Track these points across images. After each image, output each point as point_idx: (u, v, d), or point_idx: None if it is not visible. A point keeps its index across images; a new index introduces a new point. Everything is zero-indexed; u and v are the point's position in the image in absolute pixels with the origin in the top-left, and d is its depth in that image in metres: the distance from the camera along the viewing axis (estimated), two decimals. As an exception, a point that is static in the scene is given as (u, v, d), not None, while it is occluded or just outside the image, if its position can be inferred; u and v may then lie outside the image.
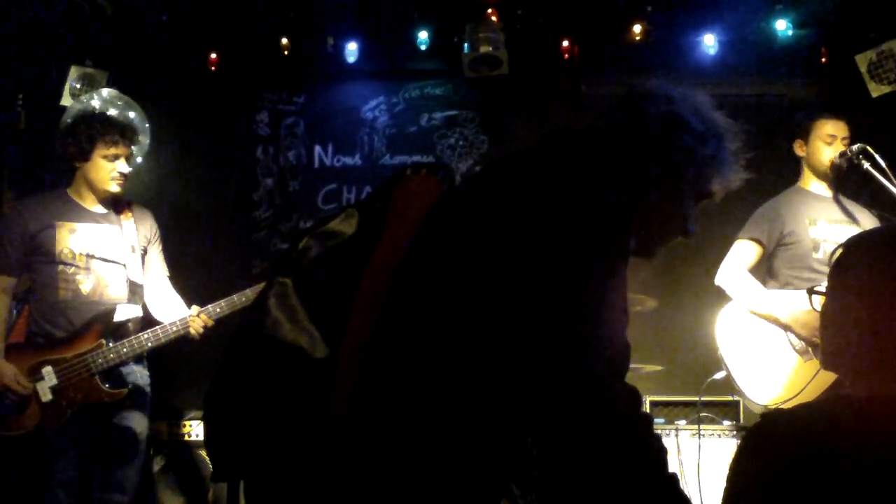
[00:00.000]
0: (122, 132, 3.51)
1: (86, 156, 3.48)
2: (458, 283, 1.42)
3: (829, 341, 1.50)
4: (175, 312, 3.57)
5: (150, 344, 3.41)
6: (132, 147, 3.58)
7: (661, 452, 1.43)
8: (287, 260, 1.58)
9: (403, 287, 1.45)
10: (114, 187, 3.51)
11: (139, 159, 4.83)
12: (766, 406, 3.38)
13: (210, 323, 3.46)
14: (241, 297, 3.49)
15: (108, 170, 3.48)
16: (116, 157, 3.49)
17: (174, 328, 3.44)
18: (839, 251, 1.50)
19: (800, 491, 1.28)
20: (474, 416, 1.40)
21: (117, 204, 3.63)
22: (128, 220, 3.61)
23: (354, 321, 1.44)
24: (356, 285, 1.47)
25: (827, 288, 1.51)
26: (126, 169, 3.52)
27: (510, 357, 1.38)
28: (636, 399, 1.44)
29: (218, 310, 3.48)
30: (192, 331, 3.44)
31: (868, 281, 1.41)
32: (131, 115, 4.74)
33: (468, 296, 1.41)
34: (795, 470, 1.30)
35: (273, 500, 1.48)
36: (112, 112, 4.62)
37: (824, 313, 1.50)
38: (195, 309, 3.47)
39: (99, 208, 3.57)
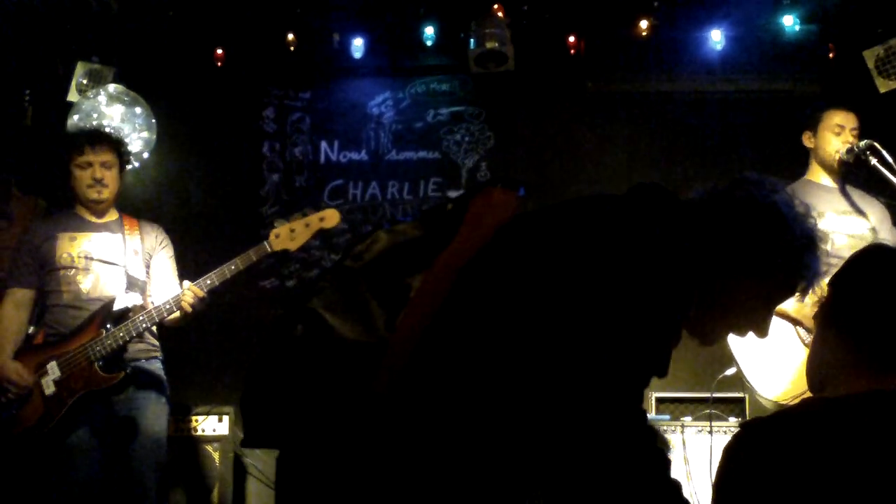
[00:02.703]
0: (89, 140, 3.53)
1: (66, 172, 3.55)
2: (515, 298, 1.47)
3: (822, 342, 1.55)
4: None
5: (144, 325, 3.38)
6: (112, 153, 3.56)
7: (664, 463, 1.48)
8: (353, 247, 1.64)
9: (465, 290, 1.50)
10: (92, 194, 3.52)
11: (146, 155, 4.85)
12: (776, 401, 3.37)
13: (201, 294, 3.38)
14: (231, 267, 3.42)
15: (84, 178, 3.51)
16: (88, 165, 3.51)
17: (167, 306, 3.40)
18: (856, 253, 1.59)
19: (784, 491, 1.32)
20: (503, 419, 1.44)
21: (122, 218, 3.66)
22: (132, 231, 3.63)
23: (410, 314, 1.49)
24: (416, 280, 1.52)
25: (832, 285, 1.55)
26: (101, 174, 3.51)
27: (543, 375, 1.43)
28: (643, 420, 1.51)
29: (209, 282, 3.42)
30: (183, 304, 3.37)
31: (874, 288, 1.49)
32: (138, 110, 4.76)
33: (521, 312, 1.46)
34: (780, 471, 1.33)
35: (305, 472, 1.54)
36: (118, 107, 4.66)
37: (827, 305, 1.56)
38: (186, 283, 3.44)
39: (102, 220, 3.61)
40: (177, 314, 3.43)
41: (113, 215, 3.66)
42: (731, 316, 1.68)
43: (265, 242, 3.46)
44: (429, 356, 1.46)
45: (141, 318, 3.38)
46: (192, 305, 3.38)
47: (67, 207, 3.69)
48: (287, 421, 1.54)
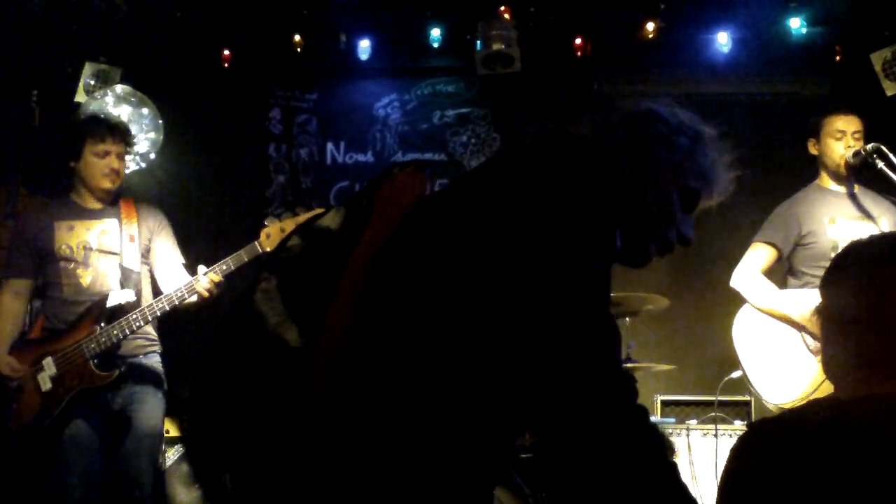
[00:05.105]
0: (110, 129, 3.55)
1: (77, 154, 3.52)
2: (432, 281, 1.44)
3: (826, 346, 1.55)
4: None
5: (138, 324, 3.38)
6: (124, 145, 3.59)
7: (658, 443, 1.44)
8: (274, 255, 1.61)
9: (379, 281, 1.47)
10: (106, 184, 3.53)
11: (152, 156, 4.86)
12: (781, 407, 3.37)
13: (217, 279, 3.36)
14: (223, 266, 3.40)
15: (99, 166, 3.51)
16: (106, 154, 3.51)
17: (178, 294, 3.36)
18: (841, 252, 1.56)
19: (791, 493, 1.31)
20: (443, 409, 1.41)
21: (119, 201, 3.65)
22: (130, 214, 3.61)
23: (332, 314, 1.45)
24: (336, 279, 1.48)
25: (824, 285, 1.55)
26: (117, 165, 3.54)
27: (483, 354, 1.39)
28: (631, 390, 1.44)
29: (225, 266, 3.40)
30: (199, 290, 3.34)
31: (861, 285, 1.46)
32: (144, 111, 4.77)
33: (441, 294, 1.42)
34: (786, 473, 1.33)
35: (257, 492, 1.50)
36: (125, 108, 4.67)
37: (823, 309, 1.55)
38: (202, 269, 3.40)
39: (98, 206, 3.60)
40: (193, 299, 3.40)
41: (109, 200, 3.63)
42: (649, 229, 1.65)
43: (255, 243, 3.44)
44: (358, 356, 1.42)
45: (134, 316, 3.38)
46: (208, 291, 3.36)
47: (63, 194, 3.66)
48: (231, 448, 1.49)
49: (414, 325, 1.42)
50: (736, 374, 3.69)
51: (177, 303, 3.38)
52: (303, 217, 3.39)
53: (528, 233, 1.40)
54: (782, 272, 3.75)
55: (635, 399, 1.43)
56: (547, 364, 1.36)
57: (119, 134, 3.57)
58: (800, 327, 3.45)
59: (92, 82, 4.78)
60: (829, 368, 1.54)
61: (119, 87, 4.77)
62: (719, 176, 1.70)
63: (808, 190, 3.79)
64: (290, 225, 3.41)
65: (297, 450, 1.41)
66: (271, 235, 3.42)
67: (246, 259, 3.43)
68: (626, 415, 1.39)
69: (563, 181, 1.47)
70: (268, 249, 3.41)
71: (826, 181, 3.77)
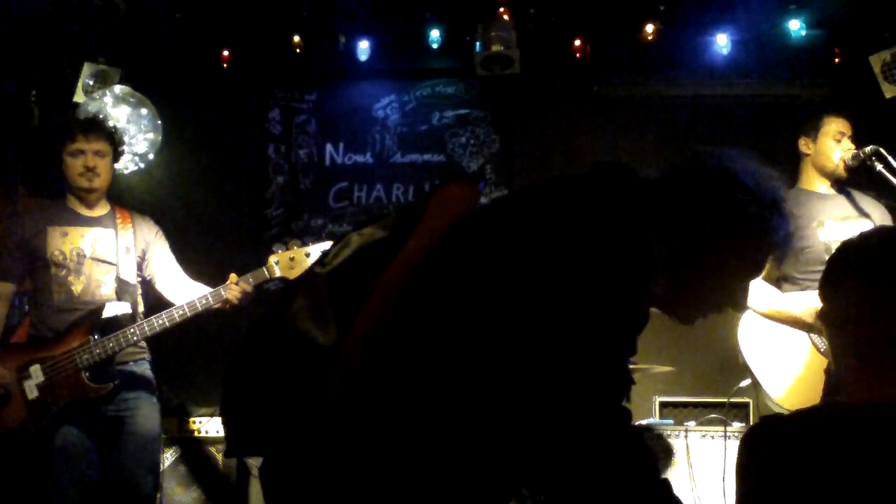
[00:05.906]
0: (81, 128, 3.52)
1: (58, 159, 3.52)
2: (464, 296, 1.45)
3: (831, 342, 1.55)
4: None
5: (135, 338, 3.35)
6: (104, 142, 3.54)
7: (650, 463, 1.47)
8: (327, 253, 1.64)
9: (416, 287, 1.48)
10: (83, 182, 3.48)
11: (151, 156, 4.85)
12: (789, 409, 3.33)
13: (248, 288, 3.39)
14: (258, 277, 3.44)
15: (75, 167, 3.48)
16: (80, 153, 3.48)
17: (203, 302, 3.36)
18: (835, 254, 1.55)
19: (798, 492, 1.31)
20: (454, 422, 1.42)
21: (115, 210, 3.62)
22: (125, 224, 3.59)
23: (365, 314, 1.47)
24: (374, 281, 1.50)
25: (822, 289, 1.53)
26: (93, 163, 3.48)
27: (502, 373, 1.41)
28: (627, 420, 1.47)
29: (251, 279, 3.42)
30: (231, 297, 3.36)
31: (862, 284, 1.46)
32: (143, 111, 4.76)
33: (472, 311, 1.43)
34: (787, 470, 1.33)
35: (279, 478, 1.54)
36: (124, 108, 4.67)
37: (824, 314, 1.54)
38: (233, 277, 3.42)
39: (93, 213, 3.57)
40: (217, 305, 3.41)
41: (105, 208, 3.61)
42: (703, 291, 1.61)
43: (263, 269, 3.45)
44: (381, 357, 1.44)
45: (132, 330, 3.35)
46: (238, 299, 3.38)
47: (58, 198, 3.64)
48: (261, 430, 1.54)
49: (439, 337, 1.43)
50: (745, 383, 3.66)
51: (200, 310, 3.38)
52: (313, 247, 3.49)
53: (567, 267, 1.41)
54: (775, 281, 3.71)
55: (627, 430, 1.46)
56: (552, 394, 1.38)
57: (93, 131, 3.52)
58: (808, 329, 3.41)
59: (91, 82, 4.78)
60: (837, 371, 1.53)
61: (118, 88, 4.77)
62: (786, 243, 1.61)
63: (791, 195, 3.74)
64: (299, 254, 3.48)
65: (312, 447, 1.45)
66: (280, 262, 3.46)
67: (251, 283, 3.43)
68: (616, 443, 1.41)
69: (614, 222, 1.46)
70: (275, 277, 3.44)
71: (810, 183, 3.72)
